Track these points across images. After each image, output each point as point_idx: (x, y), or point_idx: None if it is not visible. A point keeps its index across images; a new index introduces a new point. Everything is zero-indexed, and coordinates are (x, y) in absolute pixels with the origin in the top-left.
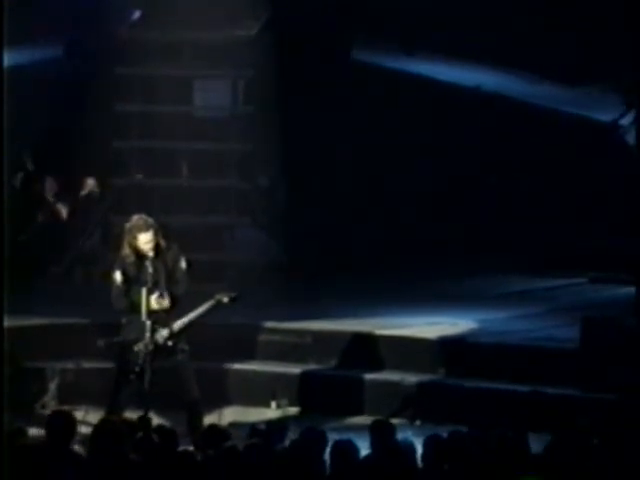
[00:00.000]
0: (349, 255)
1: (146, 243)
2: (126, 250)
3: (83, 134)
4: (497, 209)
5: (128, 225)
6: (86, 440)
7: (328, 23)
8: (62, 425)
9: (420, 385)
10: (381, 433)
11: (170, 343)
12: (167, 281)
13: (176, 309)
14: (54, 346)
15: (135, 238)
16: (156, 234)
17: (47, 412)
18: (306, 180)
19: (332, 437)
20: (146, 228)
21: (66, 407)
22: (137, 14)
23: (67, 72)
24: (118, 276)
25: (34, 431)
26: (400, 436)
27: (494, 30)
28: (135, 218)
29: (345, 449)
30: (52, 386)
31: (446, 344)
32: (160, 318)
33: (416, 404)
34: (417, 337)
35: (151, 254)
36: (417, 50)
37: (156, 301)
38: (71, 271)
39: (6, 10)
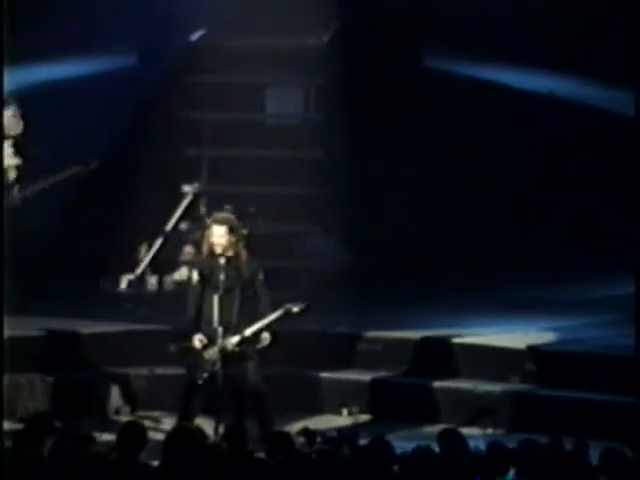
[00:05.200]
0: (419, 263)
1: (217, 236)
2: (203, 249)
3: (155, 142)
4: (577, 219)
5: (212, 217)
6: (159, 447)
7: (399, 31)
8: (133, 437)
9: (492, 393)
10: (450, 441)
11: (240, 350)
12: (241, 292)
13: (247, 316)
14: (127, 352)
15: (210, 229)
16: (232, 232)
17: (120, 418)
18: (375, 188)
19: (403, 445)
20: (221, 222)
21: (139, 413)
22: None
23: (140, 81)
24: (195, 276)
25: (107, 437)
26: (472, 445)
27: (566, 36)
28: (221, 212)
29: (420, 456)
30: (125, 392)
31: (519, 352)
32: (230, 325)
33: (488, 412)
34: (490, 345)
35: (219, 250)
36: (489, 57)
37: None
38: (144, 277)
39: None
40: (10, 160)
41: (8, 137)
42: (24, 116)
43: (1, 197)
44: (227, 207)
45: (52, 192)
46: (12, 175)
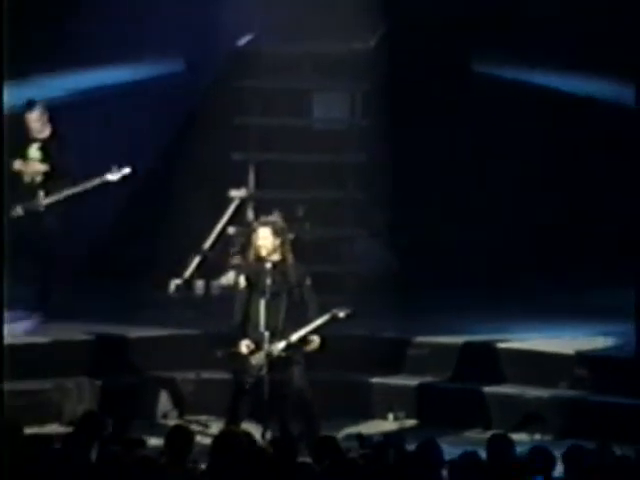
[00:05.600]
0: (464, 267)
1: (262, 239)
2: (249, 253)
3: (202, 147)
4: (623, 222)
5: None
6: (206, 451)
7: (446, 34)
8: (180, 441)
9: (541, 399)
10: (499, 447)
11: (286, 355)
12: (288, 297)
13: (293, 321)
14: (175, 357)
15: (255, 232)
16: (276, 235)
17: (168, 422)
18: (421, 192)
19: (450, 451)
20: (266, 224)
21: (186, 418)
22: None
23: (188, 86)
24: (242, 281)
25: (155, 441)
26: (519, 450)
27: (615, 40)
28: (268, 216)
29: (468, 461)
30: (172, 396)
31: (567, 357)
32: (277, 330)
33: (536, 418)
34: (537, 350)
35: (264, 253)
36: (538, 61)
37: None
38: (191, 282)
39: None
40: (36, 165)
41: (35, 140)
42: (53, 120)
43: (1, 197)
44: (276, 212)
45: (76, 200)
46: (38, 180)
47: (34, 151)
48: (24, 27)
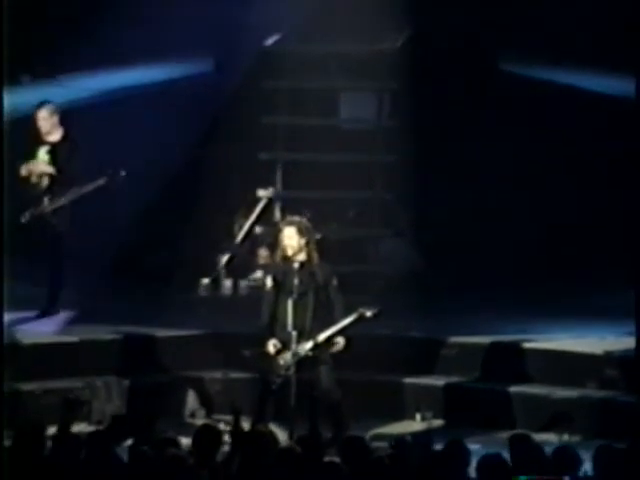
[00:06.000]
0: (491, 267)
1: (288, 238)
2: (276, 253)
3: (230, 146)
4: None
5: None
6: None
7: (473, 34)
8: (208, 440)
9: (569, 399)
10: (520, 446)
11: (313, 355)
12: (315, 297)
13: (320, 321)
14: (202, 356)
15: (281, 231)
16: (301, 234)
17: (196, 421)
18: (447, 192)
19: (477, 451)
20: (291, 223)
21: (214, 417)
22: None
23: (216, 86)
24: (269, 282)
25: (183, 441)
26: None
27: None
28: (292, 216)
29: (493, 463)
30: (200, 395)
31: (596, 358)
32: (304, 329)
33: (564, 418)
34: (565, 350)
35: (290, 252)
36: (564, 59)
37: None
38: (219, 281)
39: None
40: (43, 167)
41: (45, 143)
42: (65, 123)
43: (1, 197)
44: (305, 212)
45: (81, 202)
46: (44, 182)
47: (43, 154)
48: (51, 28)
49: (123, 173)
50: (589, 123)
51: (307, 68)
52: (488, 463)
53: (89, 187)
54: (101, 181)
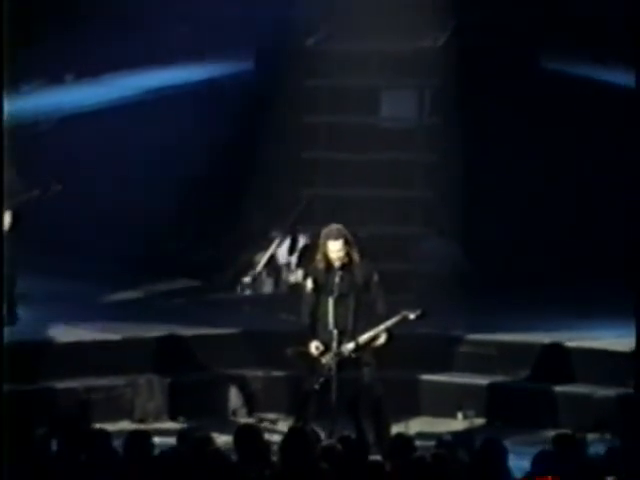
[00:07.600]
0: (537, 266)
1: (335, 252)
2: (318, 257)
3: (271, 145)
4: None
5: (323, 232)
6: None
7: (516, 32)
8: (249, 439)
9: (611, 399)
10: (565, 447)
11: (355, 355)
12: (356, 296)
13: (363, 320)
14: (244, 354)
15: (325, 245)
16: (347, 244)
17: (238, 419)
18: (489, 190)
19: (519, 450)
20: (336, 237)
21: (256, 415)
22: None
23: (256, 84)
24: (309, 284)
25: (224, 439)
26: (591, 451)
27: None
28: (331, 226)
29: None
30: (242, 394)
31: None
32: (346, 329)
33: (607, 418)
34: (608, 350)
35: (338, 263)
36: (608, 57)
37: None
38: (260, 280)
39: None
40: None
41: None
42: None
43: (1, 197)
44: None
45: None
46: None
47: None
48: (93, 28)
49: (59, 187)
50: (633, 121)
51: (348, 66)
52: (544, 459)
53: (23, 198)
54: (36, 192)
